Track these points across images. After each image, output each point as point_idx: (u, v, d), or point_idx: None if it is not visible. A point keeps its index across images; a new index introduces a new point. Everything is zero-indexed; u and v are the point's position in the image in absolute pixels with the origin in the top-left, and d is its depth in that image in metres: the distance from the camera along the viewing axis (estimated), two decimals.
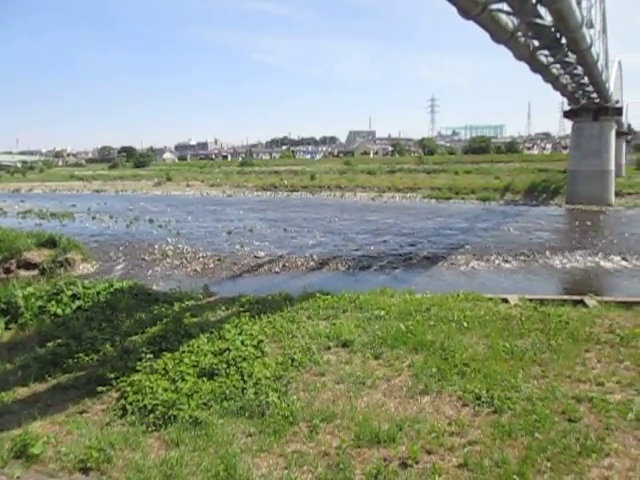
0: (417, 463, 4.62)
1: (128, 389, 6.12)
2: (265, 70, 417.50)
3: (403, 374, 6.39)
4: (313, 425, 5.27)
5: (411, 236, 24.13)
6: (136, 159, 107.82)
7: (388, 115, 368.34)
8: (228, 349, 6.88)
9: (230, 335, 7.43)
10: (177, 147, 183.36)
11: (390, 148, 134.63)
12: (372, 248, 20.98)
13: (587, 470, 4.44)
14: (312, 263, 18.29)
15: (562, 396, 5.68)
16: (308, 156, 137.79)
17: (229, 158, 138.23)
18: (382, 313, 8.56)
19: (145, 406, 5.70)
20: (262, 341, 7.30)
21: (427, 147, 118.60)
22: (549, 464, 4.51)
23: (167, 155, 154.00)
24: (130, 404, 5.82)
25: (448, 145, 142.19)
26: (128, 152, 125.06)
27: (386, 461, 4.67)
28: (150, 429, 5.37)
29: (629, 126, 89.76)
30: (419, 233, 24.92)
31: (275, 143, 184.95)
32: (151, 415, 5.55)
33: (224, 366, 6.43)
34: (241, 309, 9.04)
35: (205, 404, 5.74)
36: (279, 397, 5.79)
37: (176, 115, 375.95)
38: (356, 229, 26.33)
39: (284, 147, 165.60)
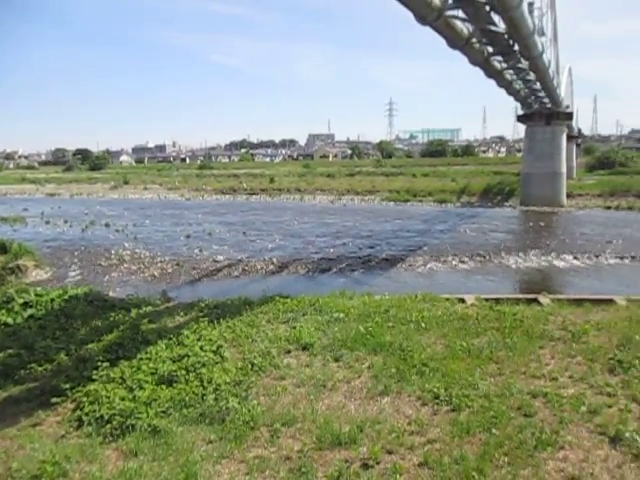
0: (378, 463, 4.66)
1: (84, 399, 5.96)
2: (224, 72, 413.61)
3: (363, 376, 6.43)
4: (274, 429, 5.24)
5: (370, 238, 24.34)
6: (92, 162, 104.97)
7: (347, 118, 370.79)
8: (187, 355, 6.79)
9: (189, 341, 7.33)
10: (134, 150, 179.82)
11: (349, 151, 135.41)
12: (332, 251, 21.09)
13: (543, 463, 4.56)
14: (272, 266, 18.22)
15: (518, 392, 5.82)
16: (267, 159, 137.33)
17: (187, 161, 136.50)
18: (342, 315, 8.61)
19: (102, 416, 5.56)
20: (221, 346, 7.23)
21: (385, 150, 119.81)
22: (506, 459, 4.62)
23: (124, 158, 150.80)
24: (86, 415, 5.66)
25: (406, 148, 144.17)
26: (83, 154, 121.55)
27: (348, 463, 4.69)
28: (107, 440, 5.24)
29: (579, 130, 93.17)
30: (378, 235, 25.16)
31: (234, 146, 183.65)
32: (108, 425, 5.41)
33: (183, 372, 6.34)
34: (200, 314, 8.93)
35: (164, 412, 5.64)
36: (239, 402, 5.75)
37: (133, 117, 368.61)
38: (316, 232, 26.38)
39: (243, 150, 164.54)
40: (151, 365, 6.58)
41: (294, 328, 8.10)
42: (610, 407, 5.42)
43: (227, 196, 51.72)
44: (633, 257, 19.38)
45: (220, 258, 19.49)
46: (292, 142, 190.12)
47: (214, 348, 7.13)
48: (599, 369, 6.37)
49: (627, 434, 4.83)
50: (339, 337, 7.62)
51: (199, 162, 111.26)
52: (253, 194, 51.83)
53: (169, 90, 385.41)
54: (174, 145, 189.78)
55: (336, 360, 6.95)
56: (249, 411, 5.54)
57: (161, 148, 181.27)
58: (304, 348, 7.36)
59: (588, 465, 4.52)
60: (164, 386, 6.10)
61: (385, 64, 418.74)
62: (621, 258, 19.36)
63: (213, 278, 16.87)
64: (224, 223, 30.47)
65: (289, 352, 7.28)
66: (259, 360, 6.85)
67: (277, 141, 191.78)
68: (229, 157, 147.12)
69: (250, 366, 6.70)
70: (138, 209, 39.82)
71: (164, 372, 6.33)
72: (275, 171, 71.31)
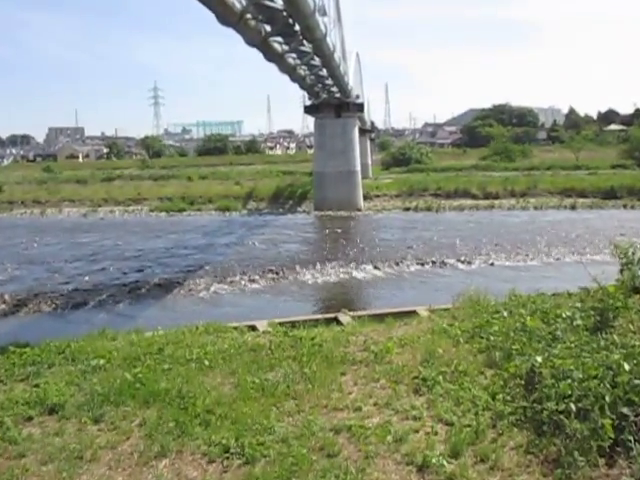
0: None
1: None
2: None
3: (133, 437, 6.19)
4: None
5: (138, 260, 23.85)
6: None
7: (101, 108, 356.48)
8: None
9: None
10: None
11: (105, 150, 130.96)
12: (87, 279, 20.20)
13: None
14: (3, 306, 16.84)
15: (319, 430, 6.11)
16: None
17: None
18: (102, 362, 8.20)
19: None
20: None
21: (152, 148, 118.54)
22: None
23: None
24: None
25: (178, 145, 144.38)
26: None
27: None
28: None
29: (372, 123, 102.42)
30: (147, 255, 24.72)
31: None
32: None
33: None
34: None
35: None
36: None
37: None
38: (64, 256, 25.16)
39: None
40: None
41: (37, 386, 7.50)
42: (417, 432, 5.98)
43: None
44: (434, 262, 21.85)
45: None
46: (26, 138, 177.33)
47: None
48: (404, 391, 7.00)
49: (434, 460, 5.38)
50: (99, 391, 7.24)
51: None
52: None
53: None
54: None
55: (96, 421, 6.58)
56: None
57: None
58: (52, 411, 6.85)
59: None
60: None
61: (151, 43, 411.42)
62: (422, 264, 21.68)
63: None
64: None
65: (31, 419, 6.71)
66: None
67: (4, 138, 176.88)
68: None
69: None
70: None
71: None
72: (3, 178, 65.58)
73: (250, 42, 24.47)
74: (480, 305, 10.19)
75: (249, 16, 21.83)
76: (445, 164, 70.94)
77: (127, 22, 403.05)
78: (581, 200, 41.50)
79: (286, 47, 27.80)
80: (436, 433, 5.94)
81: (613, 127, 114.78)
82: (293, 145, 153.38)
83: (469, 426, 5.92)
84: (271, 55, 27.69)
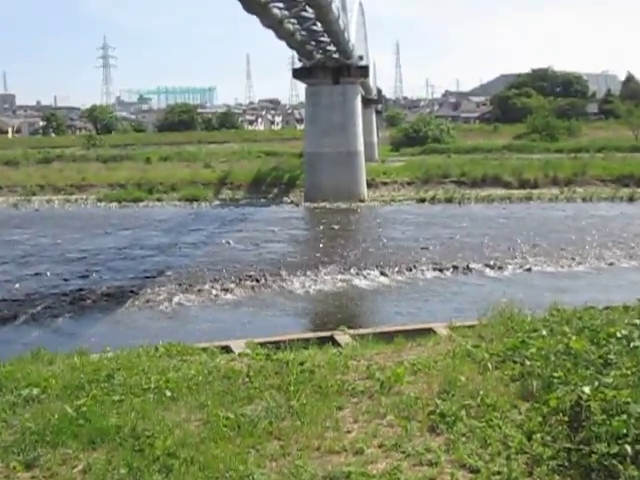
0: None
1: None
2: None
3: None
4: None
5: (82, 262, 23.90)
6: None
7: (37, 71, 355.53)
8: None
9: None
10: None
11: (41, 122, 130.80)
12: (17, 287, 20.25)
13: None
14: None
15: (310, 478, 6.10)
16: None
17: None
18: (36, 392, 8.17)
19: None
20: None
21: (101, 121, 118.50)
22: None
23: None
24: None
25: (133, 118, 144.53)
26: None
27: None
28: None
29: (379, 92, 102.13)
30: (94, 257, 24.76)
31: None
32: None
33: None
34: None
35: None
36: None
37: None
38: None
39: None
40: None
41: None
42: None
43: None
44: (455, 267, 21.87)
45: None
46: None
47: None
48: (417, 429, 7.00)
49: None
50: (33, 428, 7.22)
51: None
52: None
53: None
54: None
55: (28, 467, 6.56)
56: None
57: None
58: None
59: None
60: None
61: None
62: (440, 270, 21.70)
63: None
64: None
65: None
66: None
67: None
68: None
69: None
70: None
71: None
72: None
73: None
74: (513, 321, 10.19)
75: None
76: (471, 144, 71.00)
77: None
78: None
79: None
80: None
81: None
82: (279, 119, 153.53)
83: (499, 473, 5.92)
84: (252, 5, 27.63)
